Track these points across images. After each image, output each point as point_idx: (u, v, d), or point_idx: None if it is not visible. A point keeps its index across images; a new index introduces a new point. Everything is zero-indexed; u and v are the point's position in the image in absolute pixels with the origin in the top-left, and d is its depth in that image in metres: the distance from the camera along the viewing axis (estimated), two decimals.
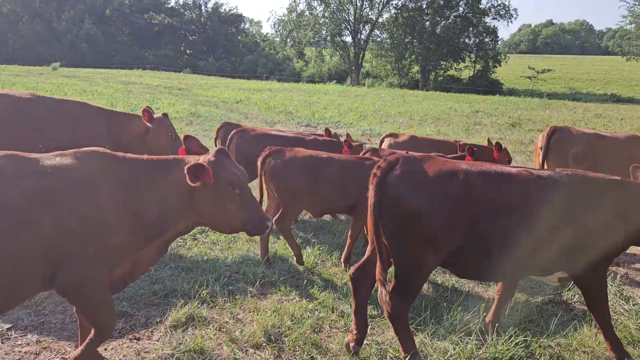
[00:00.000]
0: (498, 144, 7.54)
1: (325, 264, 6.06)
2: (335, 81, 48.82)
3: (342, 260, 5.99)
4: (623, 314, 4.90)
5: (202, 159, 3.53)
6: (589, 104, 35.00)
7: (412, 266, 3.69)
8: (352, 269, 4.15)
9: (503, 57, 51.11)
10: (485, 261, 3.70)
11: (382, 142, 8.84)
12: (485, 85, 47.37)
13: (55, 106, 5.99)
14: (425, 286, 5.27)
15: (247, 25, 71.06)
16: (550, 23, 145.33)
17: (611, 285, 5.38)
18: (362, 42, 52.76)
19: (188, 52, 67.83)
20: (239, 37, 65.59)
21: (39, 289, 3.23)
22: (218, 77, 44.73)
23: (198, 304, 4.67)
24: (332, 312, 4.79)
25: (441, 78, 50.21)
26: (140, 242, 3.44)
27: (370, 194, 3.71)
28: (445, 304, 4.93)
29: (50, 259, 3.06)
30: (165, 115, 6.67)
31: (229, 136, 7.37)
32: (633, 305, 5.03)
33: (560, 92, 47.93)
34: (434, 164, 3.71)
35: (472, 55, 50.91)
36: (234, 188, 3.52)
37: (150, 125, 6.45)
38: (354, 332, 4.05)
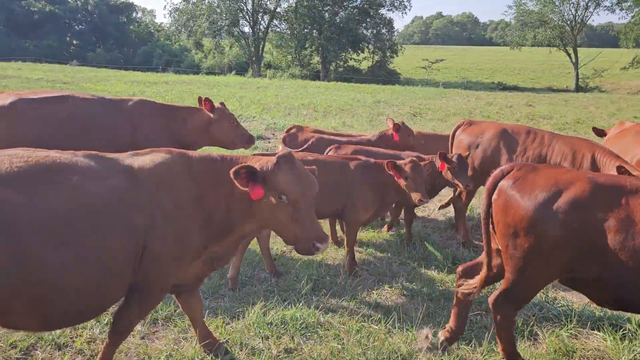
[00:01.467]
0: (397, 125, 7.38)
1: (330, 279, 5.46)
2: (235, 72, 47.63)
3: (346, 269, 5.60)
4: (552, 320, 4.68)
5: (257, 162, 3.41)
6: (479, 92, 36.97)
7: (521, 275, 3.52)
8: (460, 267, 4.17)
9: (399, 47, 52.57)
10: (616, 283, 3.29)
11: (285, 136, 8.26)
12: (384, 75, 48.52)
13: (114, 105, 6.07)
14: None
15: (139, 15, 67.22)
16: (440, 15, 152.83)
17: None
18: (261, 33, 51.86)
19: (75, 42, 62.87)
20: (131, 27, 61.81)
21: (124, 292, 3.24)
22: (109, 70, 41.76)
23: None
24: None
25: (342, 69, 50.71)
26: (207, 241, 3.46)
27: (483, 200, 3.69)
28: None
29: (137, 259, 3.13)
30: (223, 104, 6.56)
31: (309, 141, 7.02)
32: (560, 307, 4.89)
33: (453, 81, 50.27)
34: (550, 171, 3.56)
35: (371, 46, 51.87)
36: (285, 198, 3.29)
37: (212, 115, 6.38)
38: (449, 329, 4.11)
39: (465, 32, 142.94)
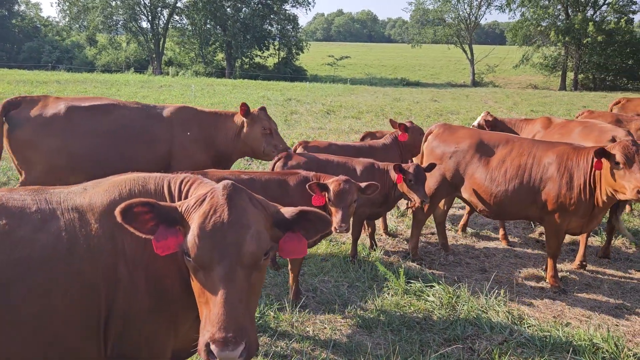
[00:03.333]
0: (403, 126, 7.08)
1: None
2: (134, 70, 44.91)
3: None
4: (527, 345, 4.27)
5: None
6: (385, 89, 37.69)
7: None
8: None
9: (305, 44, 52.33)
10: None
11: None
12: (290, 72, 48.08)
13: (155, 113, 6.03)
14: None
15: (22, 8, 61.18)
16: (340, 12, 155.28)
17: (497, 304, 4.91)
18: (161, 29, 49.26)
19: None
20: (13, 21, 56.09)
21: None
22: None
23: None
24: None
25: (247, 66, 49.51)
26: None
27: None
28: None
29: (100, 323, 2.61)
30: (262, 108, 6.29)
31: None
32: (530, 328, 4.53)
33: (359, 77, 50.89)
34: None
35: (276, 43, 51.15)
36: (188, 255, 2.28)
37: (245, 120, 6.18)
38: None
39: (366, 29, 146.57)
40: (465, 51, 49.31)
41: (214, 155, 6.22)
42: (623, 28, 40.74)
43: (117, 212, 2.26)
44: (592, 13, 43.10)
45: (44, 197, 2.57)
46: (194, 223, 2.22)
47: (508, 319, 4.61)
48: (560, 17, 43.97)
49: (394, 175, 5.65)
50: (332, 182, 4.43)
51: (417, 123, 18.65)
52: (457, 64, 65.44)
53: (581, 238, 6.07)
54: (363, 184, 4.53)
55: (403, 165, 5.63)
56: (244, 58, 49.41)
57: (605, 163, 4.97)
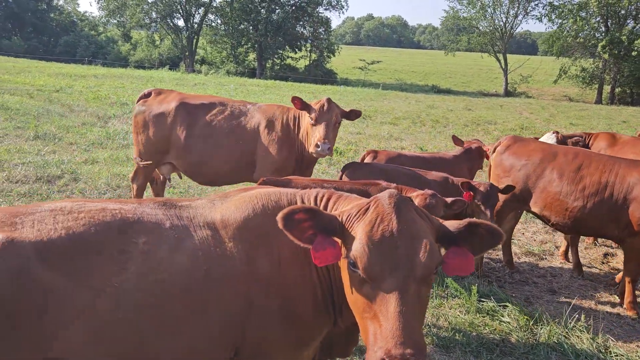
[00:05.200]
0: (487, 148, 6.98)
1: None
2: (168, 67, 45.38)
3: None
4: None
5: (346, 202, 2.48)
6: (417, 95, 37.32)
7: None
8: None
9: (337, 47, 52.25)
10: None
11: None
12: (321, 75, 48.04)
13: (248, 109, 6.37)
14: None
15: (60, 2, 62.39)
16: (370, 17, 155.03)
17: (580, 329, 4.66)
18: (195, 27, 49.70)
19: None
20: (52, 15, 57.21)
21: None
22: (29, 60, 38.38)
23: None
24: None
25: (278, 67, 49.65)
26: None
27: None
28: None
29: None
30: (328, 99, 5.83)
31: None
32: (615, 357, 4.28)
33: (389, 82, 50.57)
34: None
35: (308, 45, 51.18)
36: (355, 266, 2.09)
37: (310, 115, 5.84)
38: None
39: (395, 34, 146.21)
40: (499, 60, 48.60)
41: (297, 159, 6.17)
42: None
43: (279, 217, 2.15)
44: (633, 25, 42.07)
45: (174, 213, 2.43)
46: (360, 232, 2.09)
47: (593, 347, 4.37)
48: (600, 29, 43.01)
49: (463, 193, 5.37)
50: (418, 197, 4.24)
51: (454, 132, 18.49)
52: (489, 72, 64.62)
53: None
54: (449, 199, 4.33)
55: (474, 183, 5.37)
56: (275, 59, 49.53)
57: None
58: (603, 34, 42.08)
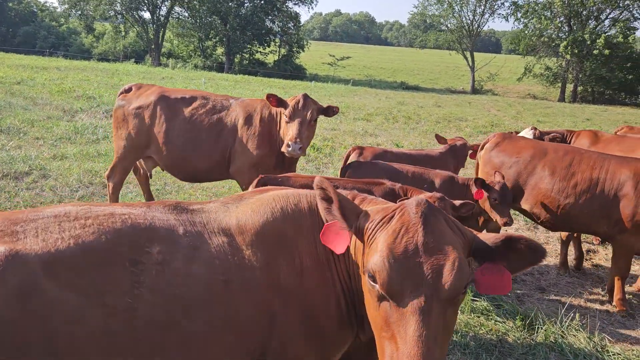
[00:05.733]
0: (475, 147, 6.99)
1: None
2: (133, 60, 44.26)
3: None
4: None
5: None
6: (387, 91, 37.54)
7: None
8: None
9: (306, 43, 51.97)
10: None
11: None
12: (290, 70, 47.66)
13: (224, 104, 6.25)
14: None
15: None
16: (338, 13, 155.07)
17: (575, 329, 4.63)
18: (162, 19, 48.59)
19: None
20: (10, 4, 55.01)
21: None
22: None
23: None
24: None
25: (247, 61, 49.04)
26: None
27: None
28: None
29: None
30: (305, 95, 5.64)
31: None
32: (612, 355, 4.24)
33: (358, 78, 50.63)
34: None
35: (277, 40, 50.71)
36: (373, 280, 1.90)
37: (285, 112, 5.69)
38: None
39: (363, 31, 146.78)
40: (466, 58, 49.28)
41: (279, 154, 5.98)
42: (624, 43, 40.91)
43: (319, 183, 2.06)
44: (593, 26, 43.23)
45: (186, 218, 2.22)
46: (382, 243, 1.89)
47: (590, 346, 4.35)
48: (563, 29, 44.06)
49: (473, 189, 5.24)
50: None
51: (427, 128, 18.58)
52: (456, 70, 65.52)
53: None
54: (457, 202, 4.19)
55: (488, 181, 5.22)
56: (243, 53, 48.92)
57: None
58: (566, 34, 43.11)
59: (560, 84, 44.51)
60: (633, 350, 4.45)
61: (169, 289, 1.99)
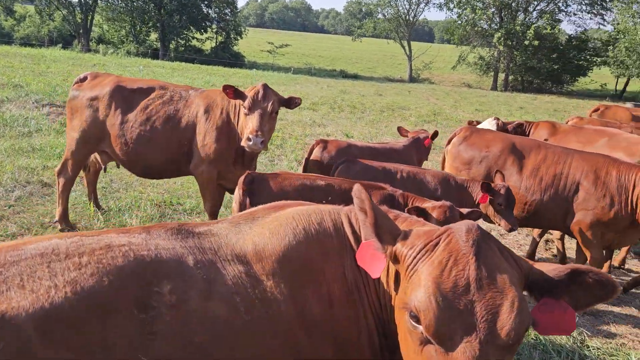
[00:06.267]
0: (436, 132, 6.85)
1: None
2: (60, 46, 41.65)
3: None
4: None
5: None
6: (327, 80, 37.43)
7: None
8: None
9: (244, 29, 50.87)
10: None
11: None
12: (228, 57, 46.55)
13: (182, 95, 5.97)
14: None
15: None
16: None
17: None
18: (90, 2, 45.95)
19: None
20: None
21: None
22: None
23: None
24: None
25: (182, 48, 47.39)
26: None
27: None
28: None
29: None
30: (265, 85, 5.34)
31: None
32: (592, 349, 4.26)
33: (297, 66, 50.21)
34: None
35: (214, 26, 49.30)
36: (416, 321, 1.64)
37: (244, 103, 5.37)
38: None
39: (300, 18, 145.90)
40: (403, 47, 49.96)
41: (238, 149, 5.65)
42: (551, 34, 42.86)
43: (354, 191, 1.84)
44: (522, 18, 44.95)
45: (194, 244, 1.89)
46: (427, 277, 1.62)
47: (571, 342, 4.36)
48: (495, 20, 45.52)
49: (476, 194, 4.95)
50: (436, 210, 3.80)
51: (373, 118, 18.61)
52: (393, 58, 66.44)
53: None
54: (464, 210, 3.94)
55: (493, 184, 4.90)
56: (179, 40, 47.25)
57: None
58: (498, 25, 44.59)
59: (492, 73, 46.07)
60: (610, 343, 4.51)
61: (186, 336, 1.67)
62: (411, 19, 50.79)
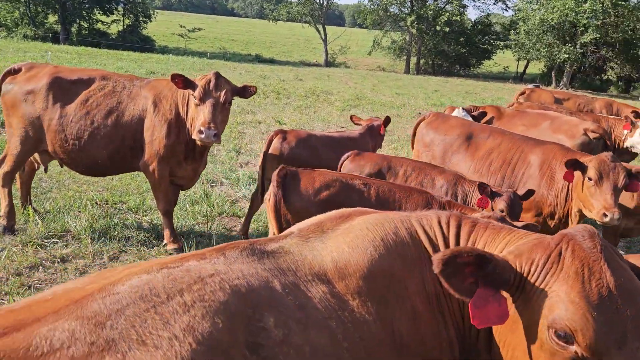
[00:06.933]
0: (387, 117, 6.74)
1: None
2: None
3: None
4: None
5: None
6: (244, 65, 36.81)
7: None
8: None
9: (152, 12, 48.54)
10: None
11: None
12: (137, 41, 44.27)
13: (126, 86, 5.62)
14: None
15: None
16: None
17: None
18: None
19: None
20: None
21: None
22: None
23: None
24: None
25: (86, 32, 44.38)
26: None
27: None
28: None
29: None
30: (217, 74, 5.14)
31: None
32: None
33: (211, 51, 48.83)
34: None
35: (120, 8, 46.59)
36: (567, 340, 1.57)
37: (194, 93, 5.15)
38: None
39: (209, 0, 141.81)
40: (318, 31, 50.05)
41: (188, 143, 5.37)
42: (460, 20, 44.82)
43: (438, 260, 1.60)
44: (431, 3, 46.51)
45: (273, 265, 1.72)
46: (569, 291, 1.57)
47: None
48: (406, 4, 46.75)
49: (473, 195, 4.61)
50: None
51: (300, 103, 18.55)
52: (307, 42, 66.46)
53: None
54: (518, 223, 3.66)
55: (495, 189, 4.50)
56: (82, 22, 44.23)
57: (578, 175, 4.74)
58: (409, 9, 45.87)
59: (405, 57, 47.44)
60: None
61: None
62: (325, 2, 50.92)
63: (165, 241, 5.71)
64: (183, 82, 5.15)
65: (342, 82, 30.35)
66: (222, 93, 5.05)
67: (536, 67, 49.02)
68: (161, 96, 5.48)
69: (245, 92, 5.37)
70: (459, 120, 6.31)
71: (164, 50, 43.96)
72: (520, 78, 45.97)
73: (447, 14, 43.09)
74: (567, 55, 38.04)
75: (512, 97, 29.99)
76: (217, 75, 5.17)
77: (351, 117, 7.23)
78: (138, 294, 1.44)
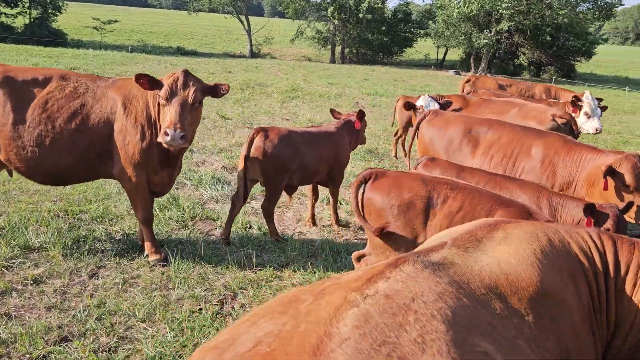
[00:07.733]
0: (361, 112, 6.68)
1: None
2: None
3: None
4: None
5: None
6: (168, 58, 35.54)
7: None
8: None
9: (62, 4, 45.51)
10: None
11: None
12: (47, 35, 41.43)
13: (89, 86, 5.26)
14: None
15: None
16: None
17: None
18: None
19: None
20: None
21: None
22: None
23: None
24: None
25: None
26: None
27: None
28: None
29: None
30: (185, 71, 4.89)
31: None
32: None
33: (128, 44, 46.65)
34: None
35: (26, 0, 43.28)
36: None
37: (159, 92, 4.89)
38: None
39: None
40: (241, 21, 49.13)
41: (162, 146, 5.02)
42: (381, 8, 45.59)
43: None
44: None
45: (448, 279, 1.58)
46: None
47: None
48: None
49: (576, 215, 4.18)
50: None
51: (240, 97, 18.13)
52: (229, 34, 65.15)
53: None
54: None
55: (598, 205, 4.10)
56: None
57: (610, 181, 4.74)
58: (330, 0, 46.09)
59: (330, 47, 47.67)
60: None
61: None
62: None
63: (146, 252, 5.33)
64: (149, 82, 4.83)
65: (272, 73, 30.03)
66: (191, 92, 4.75)
67: (455, 54, 50.92)
68: (130, 97, 5.09)
69: (216, 91, 5.08)
70: (457, 116, 6.32)
71: (78, 45, 41.48)
72: (440, 65, 47.58)
73: (368, 0, 43.66)
74: (486, 41, 39.80)
75: (438, 83, 31.11)
76: (186, 73, 4.87)
77: (331, 111, 7.07)
78: (367, 338, 1.25)
